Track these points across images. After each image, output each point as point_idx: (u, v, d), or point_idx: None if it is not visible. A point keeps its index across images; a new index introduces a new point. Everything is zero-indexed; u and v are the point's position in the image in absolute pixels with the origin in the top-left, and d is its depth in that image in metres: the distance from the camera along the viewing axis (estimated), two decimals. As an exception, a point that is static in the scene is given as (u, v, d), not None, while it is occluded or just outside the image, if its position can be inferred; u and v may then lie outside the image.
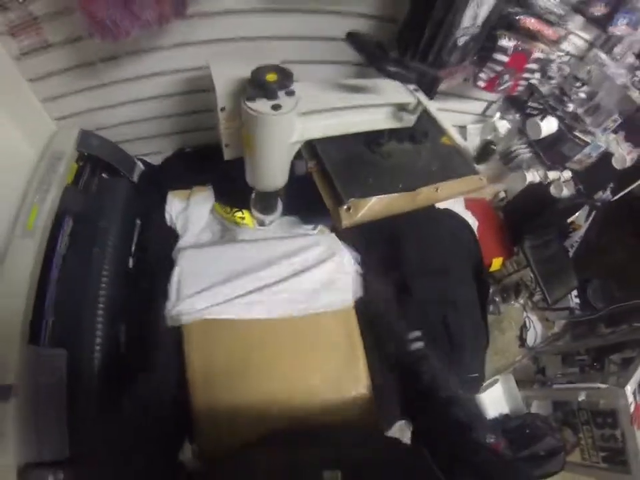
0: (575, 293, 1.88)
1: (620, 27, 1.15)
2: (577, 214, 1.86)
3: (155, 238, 0.97)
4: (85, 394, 0.79)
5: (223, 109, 0.73)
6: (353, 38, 0.70)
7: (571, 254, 1.94)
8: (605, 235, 2.01)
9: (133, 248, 1.00)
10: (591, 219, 1.97)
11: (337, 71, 1.04)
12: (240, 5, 0.87)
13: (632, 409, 1.41)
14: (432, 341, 0.93)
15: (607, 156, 1.49)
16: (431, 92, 0.82)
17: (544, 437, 1.51)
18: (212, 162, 0.99)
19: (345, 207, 0.72)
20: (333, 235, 0.84)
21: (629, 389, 1.41)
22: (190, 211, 0.97)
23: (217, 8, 0.86)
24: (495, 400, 1.62)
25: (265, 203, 0.82)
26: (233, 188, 0.87)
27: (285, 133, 0.67)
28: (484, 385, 1.59)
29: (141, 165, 1.10)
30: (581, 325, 1.87)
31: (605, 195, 1.80)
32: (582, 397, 1.48)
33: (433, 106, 0.83)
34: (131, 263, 0.99)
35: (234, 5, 0.87)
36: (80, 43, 0.86)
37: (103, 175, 1.04)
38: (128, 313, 0.92)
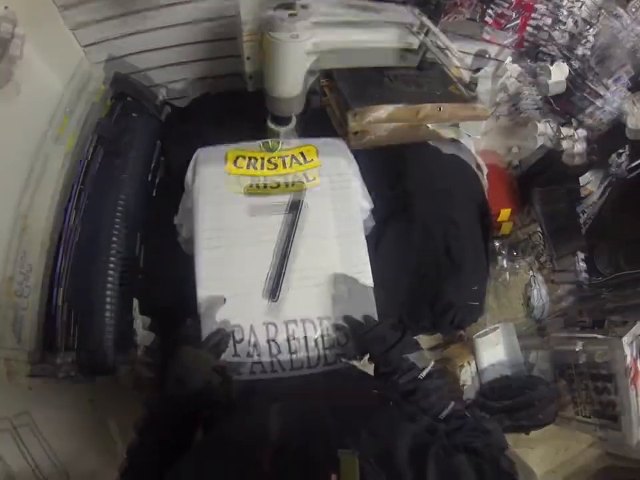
0: (581, 256, 1.95)
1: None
2: (589, 177, 1.93)
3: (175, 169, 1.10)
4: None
5: (246, 23, 0.85)
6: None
7: (582, 220, 2.00)
8: (620, 211, 2.05)
9: (157, 180, 1.17)
10: (605, 191, 2.02)
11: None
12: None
13: (628, 361, 1.50)
14: (433, 258, 1.03)
15: (622, 116, 1.56)
16: (435, 16, 0.92)
17: (537, 384, 1.61)
18: (233, 103, 1.14)
19: (353, 112, 0.83)
20: None
21: (626, 339, 1.49)
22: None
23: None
24: (493, 346, 1.68)
25: (281, 115, 0.95)
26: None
27: (299, 39, 0.79)
28: (483, 330, 1.68)
29: (168, 108, 1.24)
30: (585, 289, 1.96)
31: (620, 159, 1.87)
32: (579, 347, 1.57)
33: (441, 35, 0.94)
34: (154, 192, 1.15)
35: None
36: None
37: (134, 114, 1.16)
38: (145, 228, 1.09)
